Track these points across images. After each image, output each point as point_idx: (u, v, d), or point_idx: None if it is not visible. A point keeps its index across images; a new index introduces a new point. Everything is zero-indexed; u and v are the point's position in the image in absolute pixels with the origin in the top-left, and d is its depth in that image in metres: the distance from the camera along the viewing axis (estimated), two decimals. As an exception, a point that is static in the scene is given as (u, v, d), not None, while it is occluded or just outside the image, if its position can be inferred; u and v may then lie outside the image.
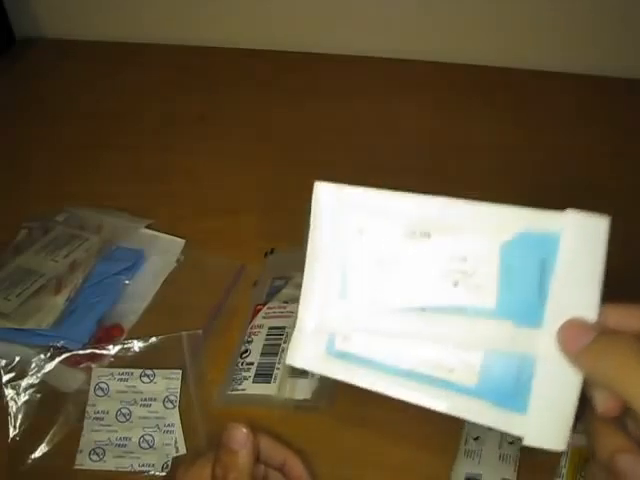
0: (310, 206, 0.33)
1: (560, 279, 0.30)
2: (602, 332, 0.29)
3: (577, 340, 0.29)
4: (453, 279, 0.30)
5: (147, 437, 0.52)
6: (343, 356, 0.31)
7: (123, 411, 0.53)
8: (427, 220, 0.31)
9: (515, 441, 0.49)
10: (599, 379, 0.28)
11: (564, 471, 0.47)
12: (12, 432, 0.52)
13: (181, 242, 0.66)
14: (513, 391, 0.30)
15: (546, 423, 0.30)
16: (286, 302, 0.58)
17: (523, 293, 0.30)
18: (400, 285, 0.30)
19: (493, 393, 0.30)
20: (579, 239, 0.30)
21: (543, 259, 0.30)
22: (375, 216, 0.31)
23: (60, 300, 0.58)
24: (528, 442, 0.30)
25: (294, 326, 0.33)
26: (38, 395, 0.53)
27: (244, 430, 0.38)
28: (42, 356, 0.54)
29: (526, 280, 0.30)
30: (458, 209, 0.31)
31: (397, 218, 0.31)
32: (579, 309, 0.30)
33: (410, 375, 0.30)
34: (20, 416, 0.52)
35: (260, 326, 0.57)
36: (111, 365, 0.55)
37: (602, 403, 0.28)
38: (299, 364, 0.32)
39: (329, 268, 0.32)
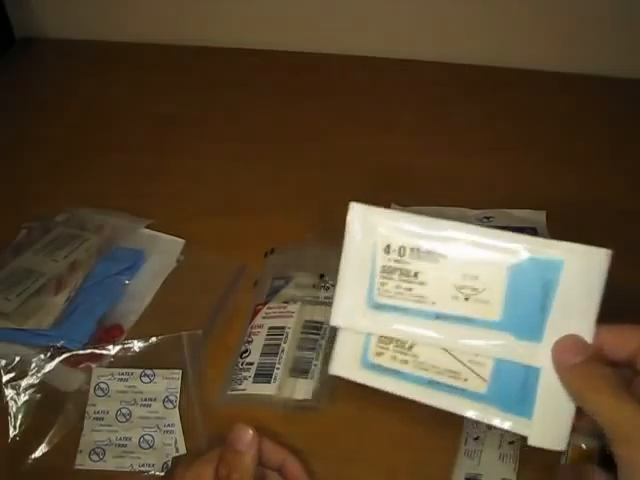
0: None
1: (560, 303, 0.34)
2: (590, 357, 0.33)
3: (567, 357, 0.33)
4: (465, 294, 0.35)
5: (147, 437, 0.52)
6: (375, 367, 0.36)
7: (123, 411, 0.53)
8: (446, 241, 0.35)
9: (515, 441, 0.49)
10: (574, 396, 0.33)
11: (564, 471, 0.47)
12: (12, 432, 0.52)
13: (181, 242, 0.66)
14: (519, 398, 0.34)
15: (549, 427, 0.34)
16: (286, 302, 0.58)
17: (525, 311, 0.34)
18: (420, 296, 0.35)
19: (501, 400, 0.34)
20: (580, 270, 0.34)
21: (546, 282, 0.34)
22: (401, 235, 0.35)
23: (60, 300, 0.58)
24: (532, 442, 0.34)
25: (333, 339, 0.37)
26: (38, 395, 0.53)
27: (251, 432, 0.39)
28: (42, 356, 0.54)
29: (529, 300, 0.34)
30: (474, 233, 0.35)
31: (420, 238, 0.35)
32: (576, 329, 0.34)
33: (432, 383, 0.35)
34: (20, 416, 0.52)
35: (260, 326, 0.57)
36: (111, 365, 0.55)
37: None
38: (340, 373, 0.37)
39: (359, 279, 0.36)
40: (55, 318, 0.57)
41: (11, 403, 0.53)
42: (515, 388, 0.34)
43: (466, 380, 0.35)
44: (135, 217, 0.68)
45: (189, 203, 0.72)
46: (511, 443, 0.49)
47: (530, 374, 0.34)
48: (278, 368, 0.54)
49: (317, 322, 0.56)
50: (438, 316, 0.35)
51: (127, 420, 0.52)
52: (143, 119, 0.84)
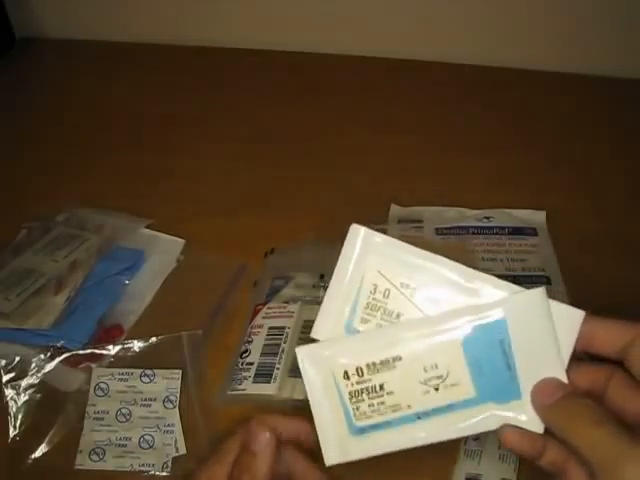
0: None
1: (522, 355, 0.34)
2: (566, 394, 0.33)
3: (544, 398, 0.34)
4: (433, 385, 0.35)
5: (147, 437, 0.52)
6: (364, 430, 0.36)
7: (123, 411, 0.53)
8: (396, 344, 0.35)
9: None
10: (558, 433, 0.33)
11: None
12: (12, 432, 0.52)
13: (181, 242, 0.66)
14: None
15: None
16: (286, 302, 0.58)
17: (495, 376, 0.35)
18: (394, 404, 0.35)
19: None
20: (525, 318, 0.34)
21: (501, 340, 0.34)
22: (353, 358, 0.36)
23: (60, 300, 0.58)
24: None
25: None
26: (38, 395, 0.53)
27: (267, 435, 0.38)
28: (42, 356, 0.54)
29: (493, 364, 0.35)
30: (419, 325, 0.35)
31: (371, 352, 0.35)
32: (548, 373, 0.34)
33: (420, 416, 0.36)
34: (20, 416, 0.52)
35: (260, 326, 0.57)
36: (111, 365, 0.55)
37: None
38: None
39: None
40: (55, 318, 0.57)
41: (11, 403, 0.53)
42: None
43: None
44: (135, 217, 0.68)
45: (189, 203, 0.72)
46: (511, 443, 0.49)
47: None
48: (278, 368, 0.54)
49: (317, 322, 0.56)
50: (419, 416, 0.35)
51: (127, 420, 0.52)
52: (143, 119, 0.84)
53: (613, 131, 0.80)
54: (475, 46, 0.90)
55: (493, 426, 0.35)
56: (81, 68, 0.95)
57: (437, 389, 0.35)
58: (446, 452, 0.50)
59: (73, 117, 0.86)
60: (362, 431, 0.36)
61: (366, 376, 0.35)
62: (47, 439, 0.51)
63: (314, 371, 0.36)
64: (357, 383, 0.36)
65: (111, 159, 0.78)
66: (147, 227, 0.68)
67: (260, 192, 0.73)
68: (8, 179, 0.76)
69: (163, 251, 0.66)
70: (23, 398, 0.53)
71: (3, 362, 0.54)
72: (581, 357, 0.35)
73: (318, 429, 0.36)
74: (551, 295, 0.33)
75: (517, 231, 0.66)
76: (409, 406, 0.35)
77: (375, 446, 0.36)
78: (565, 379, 0.34)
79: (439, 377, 0.35)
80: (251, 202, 0.72)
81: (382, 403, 0.35)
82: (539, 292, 0.34)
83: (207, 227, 0.68)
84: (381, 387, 0.35)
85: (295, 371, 0.53)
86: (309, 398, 0.36)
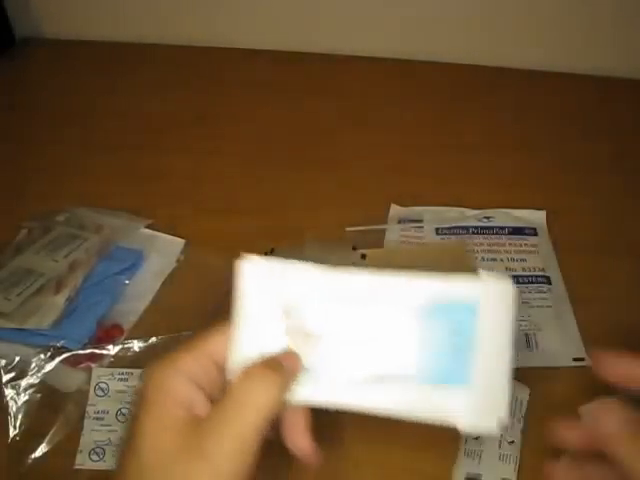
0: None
1: (481, 341, 0.33)
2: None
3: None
4: (371, 349, 0.34)
5: (147, 437, 0.51)
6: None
7: (123, 411, 0.53)
8: (348, 295, 0.34)
9: (515, 441, 0.49)
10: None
11: (564, 471, 0.47)
12: (12, 432, 0.52)
13: (181, 242, 0.66)
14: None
15: (486, 397, 0.33)
16: (286, 302, 0.58)
17: (438, 355, 0.33)
18: (326, 357, 0.34)
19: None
20: (492, 303, 0.33)
21: (455, 323, 0.33)
22: (301, 292, 0.34)
23: (60, 300, 0.58)
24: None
25: None
26: (38, 395, 0.53)
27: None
28: (42, 356, 0.54)
29: (440, 343, 0.33)
30: (375, 283, 0.34)
31: (321, 295, 0.34)
32: (498, 362, 0.33)
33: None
34: (20, 416, 0.52)
35: (260, 326, 0.57)
36: (111, 365, 0.55)
37: None
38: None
39: (253, 337, 0.34)
40: (55, 318, 0.57)
41: (11, 403, 0.53)
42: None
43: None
44: (135, 217, 0.68)
45: (189, 203, 0.72)
46: (511, 443, 0.49)
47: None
48: (278, 368, 0.53)
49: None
50: (346, 378, 0.34)
51: (127, 420, 0.52)
52: (143, 119, 0.84)
53: (613, 131, 0.80)
54: (475, 46, 0.90)
55: (423, 406, 0.33)
56: (81, 68, 0.95)
57: (374, 354, 0.34)
58: (446, 452, 0.50)
59: (73, 117, 0.86)
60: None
61: (305, 318, 0.34)
62: (47, 439, 0.51)
63: (254, 291, 0.34)
64: (296, 322, 0.34)
65: (111, 159, 0.78)
66: (147, 227, 0.68)
67: (260, 192, 0.73)
68: (8, 179, 0.76)
69: (163, 251, 0.65)
70: (23, 398, 0.53)
71: (3, 362, 0.54)
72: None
73: (234, 344, 0.34)
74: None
75: (517, 231, 0.66)
76: (339, 363, 0.34)
77: (294, 396, 0.34)
78: (509, 365, 0.33)
79: (379, 342, 0.34)
80: (251, 202, 0.72)
81: (311, 350, 0.34)
82: (509, 284, 0.33)
83: (207, 227, 0.68)
84: (316, 334, 0.34)
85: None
86: (236, 317, 0.34)
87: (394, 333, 0.34)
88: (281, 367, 0.33)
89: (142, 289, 0.62)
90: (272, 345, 0.34)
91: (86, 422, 0.52)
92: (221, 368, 0.34)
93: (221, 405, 0.31)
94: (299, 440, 0.34)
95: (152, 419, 0.31)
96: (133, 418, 0.32)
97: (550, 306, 0.59)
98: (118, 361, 0.55)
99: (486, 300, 0.33)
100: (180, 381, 0.32)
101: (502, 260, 0.63)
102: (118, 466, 0.32)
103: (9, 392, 0.53)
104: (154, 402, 0.32)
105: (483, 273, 0.33)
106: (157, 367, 0.33)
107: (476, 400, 0.33)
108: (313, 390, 0.34)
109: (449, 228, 0.66)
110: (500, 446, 0.49)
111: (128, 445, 0.31)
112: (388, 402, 0.34)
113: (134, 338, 0.56)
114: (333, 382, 0.34)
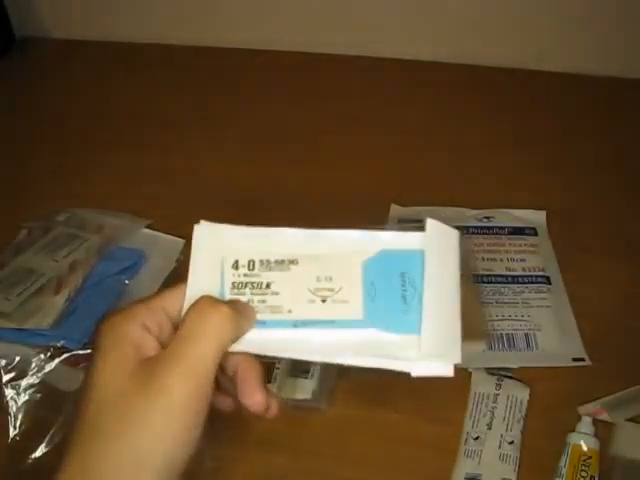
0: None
1: (429, 290, 0.33)
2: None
3: None
4: (321, 296, 0.34)
5: (147, 437, 0.51)
6: None
7: (123, 411, 0.53)
8: (296, 248, 0.35)
9: (515, 441, 0.49)
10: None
11: (564, 471, 0.47)
12: (12, 432, 0.52)
13: (181, 242, 0.66)
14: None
15: (439, 342, 0.33)
16: (286, 302, 0.58)
17: (387, 303, 0.34)
18: (275, 306, 0.34)
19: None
20: (438, 252, 0.34)
21: (402, 272, 0.34)
22: (249, 249, 0.35)
23: (60, 300, 0.58)
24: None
25: None
26: (38, 395, 0.53)
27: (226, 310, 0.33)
28: (42, 356, 0.54)
29: (388, 292, 0.34)
30: (323, 237, 0.35)
31: (269, 249, 0.35)
32: (447, 311, 0.33)
33: (298, 324, 0.34)
34: (20, 416, 0.52)
35: (260, 326, 0.57)
36: (111, 365, 0.55)
37: None
38: None
39: (204, 289, 0.34)
40: (55, 318, 0.57)
41: (11, 403, 0.53)
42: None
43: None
44: (135, 217, 0.68)
45: (189, 203, 0.72)
46: (511, 443, 0.49)
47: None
48: (278, 368, 0.54)
49: (317, 322, 0.56)
50: (296, 324, 0.34)
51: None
52: (143, 119, 0.84)
53: (613, 131, 0.80)
54: (475, 46, 0.90)
55: (372, 354, 0.33)
56: (81, 68, 0.95)
57: (324, 301, 0.34)
58: (446, 452, 0.50)
59: (73, 117, 0.86)
60: None
61: (256, 271, 0.35)
62: (47, 439, 0.51)
63: (205, 250, 0.35)
64: (244, 275, 0.35)
65: (111, 159, 0.78)
66: (147, 227, 0.68)
67: (260, 192, 0.73)
68: (8, 179, 0.76)
69: (163, 251, 0.65)
70: (23, 398, 0.53)
71: (3, 362, 0.54)
72: None
73: (186, 298, 0.34)
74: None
75: (517, 231, 0.66)
76: (290, 311, 0.34)
77: (242, 342, 0.33)
78: (458, 309, 0.33)
79: (330, 290, 0.34)
80: (251, 202, 0.72)
81: (263, 302, 0.34)
82: (452, 228, 0.34)
83: (207, 227, 0.68)
84: (268, 285, 0.34)
85: (295, 371, 0.54)
86: (189, 275, 0.34)
87: (342, 281, 0.34)
88: (232, 304, 0.33)
89: (142, 289, 0.62)
90: (222, 297, 0.35)
91: (86, 422, 0.52)
92: (175, 324, 0.34)
93: (174, 341, 0.32)
94: (253, 394, 0.34)
95: (107, 362, 0.32)
96: (90, 365, 0.33)
97: (550, 306, 0.59)
98: (118, 361, 0.55)
99: (430, 246, 0.33)
100: (134, 328, 0.32)
101: (502, 260, 0.63)
102: (77, 412, 0.32)
103: (9, 392, 0.53)
104: (109, 347, 0.32)
105: (428, 221, 0.34)
106: (112, 316, 0.33)
107: (428, 345, 0.33)
108: (261, 336, 0.34)
109: (449, 228, 0.66)
110: (500, 446, 0.49)
111: (84, 392, 0.32)
112: (339, 347, 0.33)
113: (134, 338, 0.56)
114: (281, 329, 0.34)
